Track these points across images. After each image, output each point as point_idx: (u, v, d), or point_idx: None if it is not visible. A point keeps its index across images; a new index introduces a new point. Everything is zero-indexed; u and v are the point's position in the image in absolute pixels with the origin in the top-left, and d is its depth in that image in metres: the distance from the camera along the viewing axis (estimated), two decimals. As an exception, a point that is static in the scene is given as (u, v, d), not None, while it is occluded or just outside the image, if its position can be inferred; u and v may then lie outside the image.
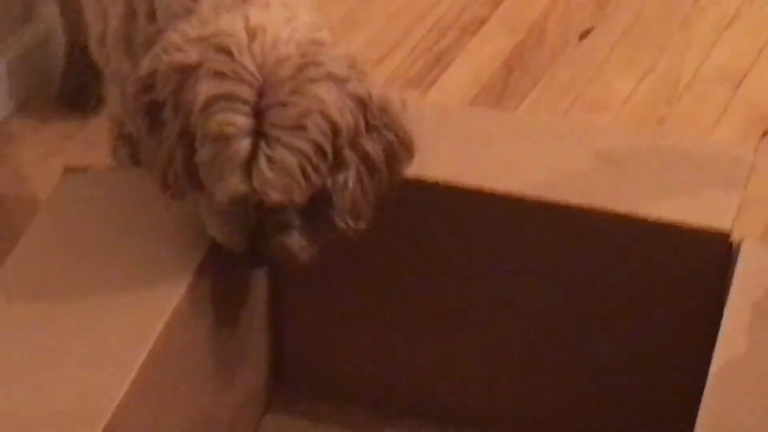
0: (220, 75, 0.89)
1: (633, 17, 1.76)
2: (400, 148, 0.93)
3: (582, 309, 1.11)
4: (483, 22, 1.70)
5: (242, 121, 0.85)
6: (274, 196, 0.85)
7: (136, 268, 0.99)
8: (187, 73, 0.90)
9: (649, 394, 1.13)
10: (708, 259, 1.05)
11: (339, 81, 0.89)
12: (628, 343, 1.11)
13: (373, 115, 0.92)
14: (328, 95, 0.87)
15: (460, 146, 1.11)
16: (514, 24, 1.70)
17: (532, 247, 1.08)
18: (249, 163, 0.84)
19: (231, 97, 0.86)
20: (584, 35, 1.65)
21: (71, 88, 1.58)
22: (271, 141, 0.85)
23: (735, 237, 1.01)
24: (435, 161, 1.04)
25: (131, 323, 0.94)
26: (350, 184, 0.89)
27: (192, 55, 0.91)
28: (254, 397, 1.17)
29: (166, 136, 0.93)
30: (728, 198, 1.07)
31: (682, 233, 1.03)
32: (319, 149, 0.87)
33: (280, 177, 0.85)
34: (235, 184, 0.85)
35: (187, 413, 1.04)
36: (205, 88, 0.88)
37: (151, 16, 1.03)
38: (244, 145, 0.83)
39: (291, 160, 0.85)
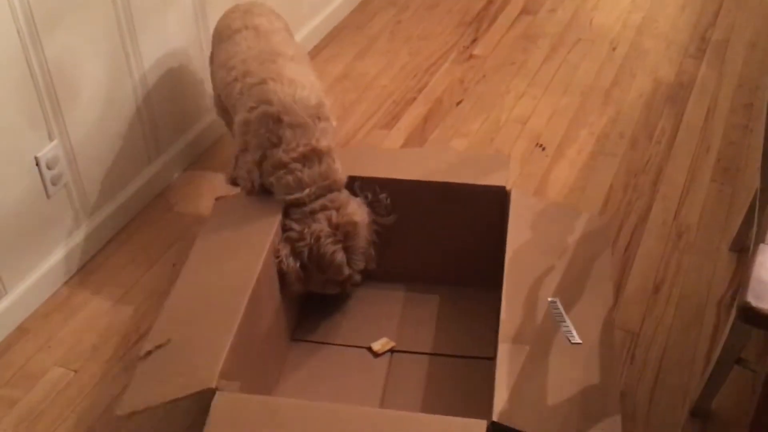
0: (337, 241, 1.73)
1: (479, 93, 2.75)
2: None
3: (437, 224, 1.87)
4: (414, 98, 2.75)
5: (342, 256, 1.72)
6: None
7: (248, 248, 1.66)
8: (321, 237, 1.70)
9: (474, 263, 1.87)
10: (496, 199, 1.80)
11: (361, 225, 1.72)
12: (463, 242, 1.87)
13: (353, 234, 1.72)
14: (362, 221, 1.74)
15: (385, 164, 1.89)
16: (427, 99, 2.73)
17: (418, 201, 1.83)
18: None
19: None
20: (458, 103, 2.71)
21: (232, 177, 1.95)
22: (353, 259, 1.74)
23: (508, 188, 1.79)
24: (375, 167, 1.84)
25: (244, 268, 1.60)
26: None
27: (324, 228, 1.72)
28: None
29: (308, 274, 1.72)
30: (503, 173, 1.85)
31: (487, 188, 1.81)
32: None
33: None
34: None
35: (269, 311, 1.68)
36: (332, 250, 1.70)
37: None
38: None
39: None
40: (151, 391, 1.41)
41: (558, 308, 1.55)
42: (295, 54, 1.86)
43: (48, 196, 1.98)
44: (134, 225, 2.25)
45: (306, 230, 1.68)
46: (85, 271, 2.12)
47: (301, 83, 1.75)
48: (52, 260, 2.04)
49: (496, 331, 1.50)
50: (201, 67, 2.44)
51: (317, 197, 1.71)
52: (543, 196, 2.33)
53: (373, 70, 2.90)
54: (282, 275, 1.72)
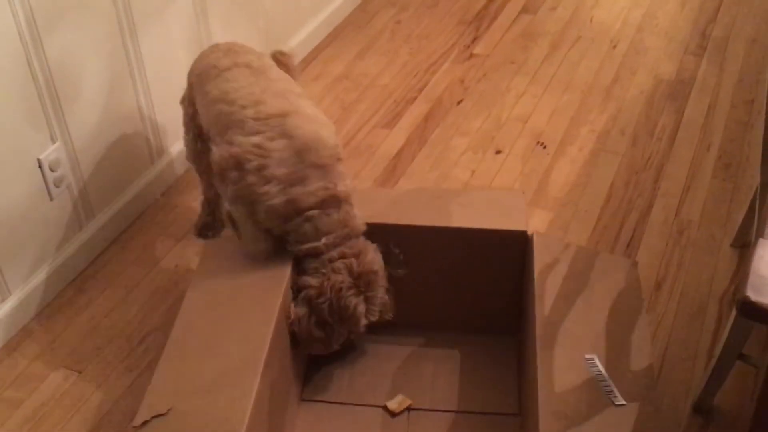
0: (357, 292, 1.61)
1: (480, 92, 2.74)
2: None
3: (453, 271, 1.74)
4: (415, 97, 2.75)
5: (363, 307, 1.62)
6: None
7: (251, 298, 1.52)
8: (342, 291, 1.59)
9: (492, 309, 1.76)
10: (517, 244, 1.69)
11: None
12: (479, 288, 1.75)
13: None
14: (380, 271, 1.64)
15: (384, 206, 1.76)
16: (428, 98, 2.73)
17: (429, 247, 1.71)
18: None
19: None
20: (459, 102, 2.71)
21: (201, 224, 2.10)
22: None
23: (528, 232, 1.68)
24: (385, 213, 1.71)
25: (256, 331, 1.45)
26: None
27: (345, 279, 1.60)
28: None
29: (324, 330, 1.61)
30: (520, 213, 1.72)
31: (507, 233, 1.69)
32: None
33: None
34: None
35: (286, 380, 1.54)
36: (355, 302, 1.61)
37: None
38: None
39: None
40: None
41: (596, 365, 1.44)
42: (300, 91, 1.76)
43: (51, 198, 1.99)
44: (137, 226, 2.26)
45: (326, 283, 1.58)
46: (89, 272, 2.12)
47: (322, 121, 1.67)
48: (55, 262, 2.04)
49: (519, 385, 1.43)
50: (202, 68, 2.43)
51: (335, 246, 1.61)
52: (545, 195, 2.33)
53: (373, 70, 2.90)
54: (295, 336, 1.62)
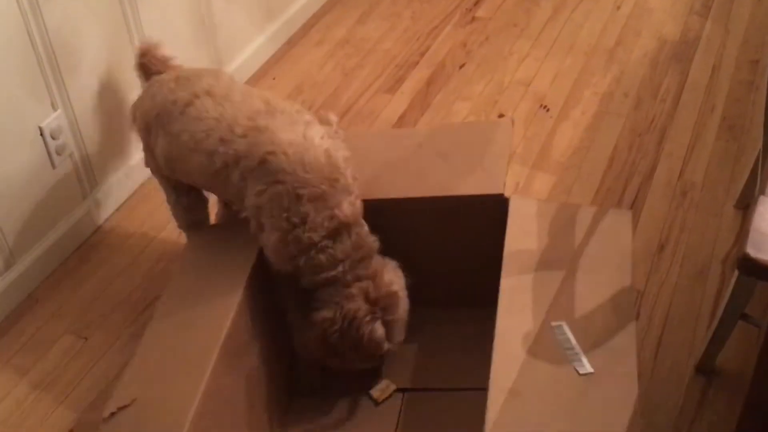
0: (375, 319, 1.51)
1: (482, 55, 2.74)
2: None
3: (432, 241, 1.65)
4: (417, 61, 2.74)
5: (382, 332, 1.52)
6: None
7: (224, 278, 1.50)
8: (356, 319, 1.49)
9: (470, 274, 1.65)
10: (494, 207, 1.58)
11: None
12: (459, 259, 1.67)
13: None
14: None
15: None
16: (430, 62, 2.72)
17: (405, 219, 1.63)
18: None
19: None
20: (461, 66, 2.70)
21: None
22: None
23: (506, 194, 1.58)
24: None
25: (219, 307, 1.44)
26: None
27: (361, 306, 1.50)
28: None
29: (342, 357, 1.53)
30: (499, 170, 1.61)
31: (483, 197, 1.59)
32: None
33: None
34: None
35: (250, 364, 1.49)
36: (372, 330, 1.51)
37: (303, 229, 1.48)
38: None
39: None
40: None
41: (565, 334, 1.35)
42: (266, 100, 1.61)
43: (53, 166, 1.99)
44: (141, 193, 2.26)
45: (338, 314, 1.50)
46: (93, 239, 2.13)
47: (301, 144, 1.52)
48: (60, 229, 2.05)
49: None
50: (203, 35, 2.43)
51: (351, 270, 1.53)
52: (547, 159, 2.32)
53: (375, 35, 2.88)
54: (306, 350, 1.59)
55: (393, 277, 1.55)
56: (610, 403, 1.19)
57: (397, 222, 1.62)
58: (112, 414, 1.32)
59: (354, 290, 1.51)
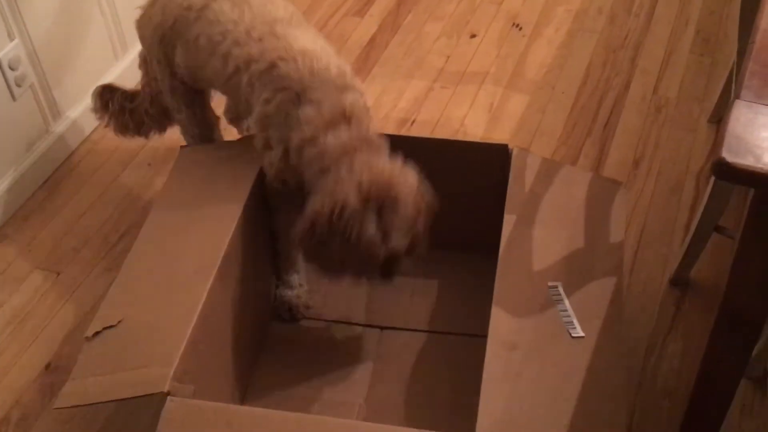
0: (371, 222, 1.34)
1: None
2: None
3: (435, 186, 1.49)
4: None
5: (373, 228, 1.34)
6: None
7: (218, 201, 1.46)
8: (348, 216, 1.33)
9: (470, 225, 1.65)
10: (498, 157, 1.60)
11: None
12: (461, 204, 1.61)
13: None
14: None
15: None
16: None
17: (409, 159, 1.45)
18: None
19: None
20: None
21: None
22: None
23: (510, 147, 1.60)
24: None
25: (218, 228, 1.41)
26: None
27: (351, 194, 1.33)
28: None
29: (332, 255, 1.37)
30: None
31: (486, 146, 1.66)
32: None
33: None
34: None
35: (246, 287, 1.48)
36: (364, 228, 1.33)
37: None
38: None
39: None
40: (96, 383, 1.23)
41: (559, 294, 1.35)
42: (290, 15, 1.56)
43: (14, 99, 1.94)
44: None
45: (325, 204, 1.34)
46: (61, 172, 2.10)
47: (314, 53, 1.47)
48: (25, 164, 2.01)
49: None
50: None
51: (348, 162, 1.38)
52: (521, 78, 2.30)
53: (342, -45, 2.81)
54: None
55: (398, 173, 1.38)
56: (602, 367, 1.25)
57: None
58: (96, 333, 1.27)
59: (345, 176, 1.35)
